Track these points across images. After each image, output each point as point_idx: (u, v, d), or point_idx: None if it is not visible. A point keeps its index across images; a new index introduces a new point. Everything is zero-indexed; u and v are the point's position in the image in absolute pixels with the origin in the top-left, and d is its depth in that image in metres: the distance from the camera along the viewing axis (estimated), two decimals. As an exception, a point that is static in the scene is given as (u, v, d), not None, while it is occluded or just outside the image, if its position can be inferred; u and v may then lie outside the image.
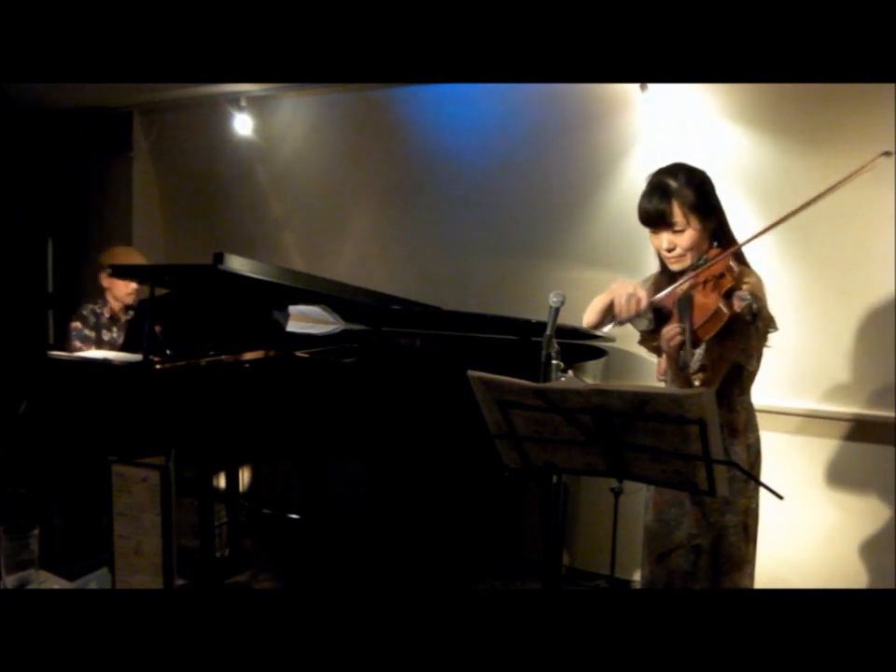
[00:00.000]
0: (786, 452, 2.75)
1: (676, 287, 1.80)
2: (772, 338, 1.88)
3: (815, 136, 2.81)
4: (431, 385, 2.59)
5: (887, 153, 1.71)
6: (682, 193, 1.81)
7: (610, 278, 3.28)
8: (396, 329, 3.29)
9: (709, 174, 1.92)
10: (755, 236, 1.77)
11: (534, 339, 2.69)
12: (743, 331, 1.76)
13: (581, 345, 2.96)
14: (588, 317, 2.09)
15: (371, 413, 2.58)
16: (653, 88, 3.05)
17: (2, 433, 2.94)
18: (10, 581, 1.50)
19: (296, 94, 4.00)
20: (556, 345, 1.77)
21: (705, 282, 1.76)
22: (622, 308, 1.85)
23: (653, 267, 3.13)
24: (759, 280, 1.84)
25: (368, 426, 2.61)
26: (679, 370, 1.72)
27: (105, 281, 3.45)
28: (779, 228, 1.86)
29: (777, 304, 1.90)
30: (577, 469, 1.62)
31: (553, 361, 1.77)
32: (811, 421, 2.78)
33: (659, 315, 1.94)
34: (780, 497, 1.84)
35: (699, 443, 1.42)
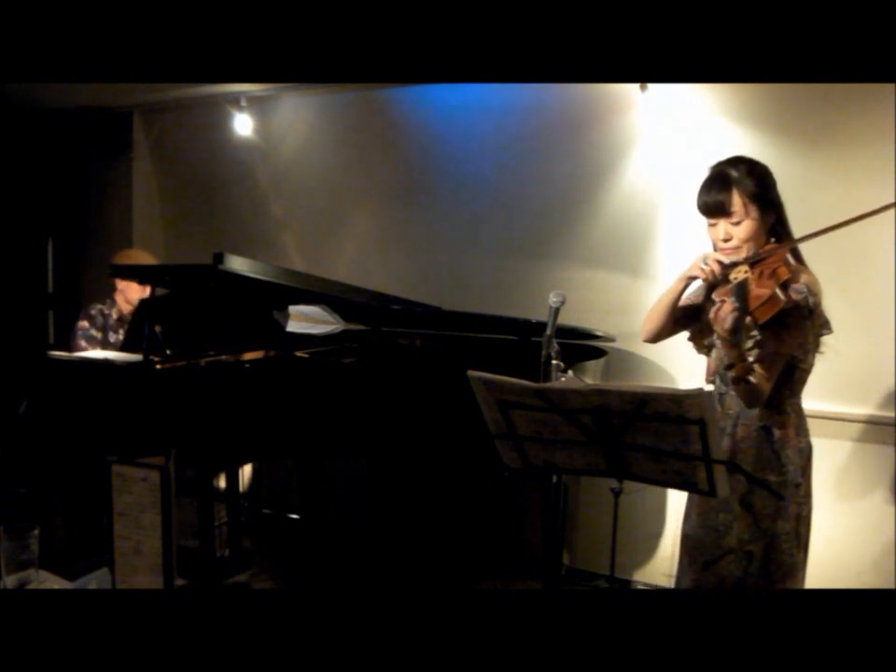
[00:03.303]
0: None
1: (734, 275, 1.76)
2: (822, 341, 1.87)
3: (815, 136, 2.81)
4: (431, 386, 2.59)
5: None
6: (743, 182, 1.81)
7: (610, 278, 3.33)
8: (396, 329, 3.29)
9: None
10: (815, 234, 1.74)
11: (534, 339, 2.70)
12: (800, 326, 1.76)
13: (580, 345, 2.96)
14: (652, 324, 2.00)
15: (371, 414, 2.58)
16: (653, 88, 3.05)
17: (2, 433, 2.93)
18: (10, 581, 1.50)
19: (296, 94, 4.01)
20: (556, 345, 1.78)
21: (760, 273, 1.74)
22: (703, 270, 1.78)
23: (654, 267, 3.16)
24: (816, 279, 1.83)
25: (368, 426, 2.61)
26: (731, 346, 1.69)
27: (120, 283, 3.45)
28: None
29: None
30: (577, 469, 1.62)
31: (553, 361, 1.77)
32: (812, 421, 2.78)
33: (696, 317, 1.94)
34: (781, 498, 1.84)
35: (699, 443, 1.42)
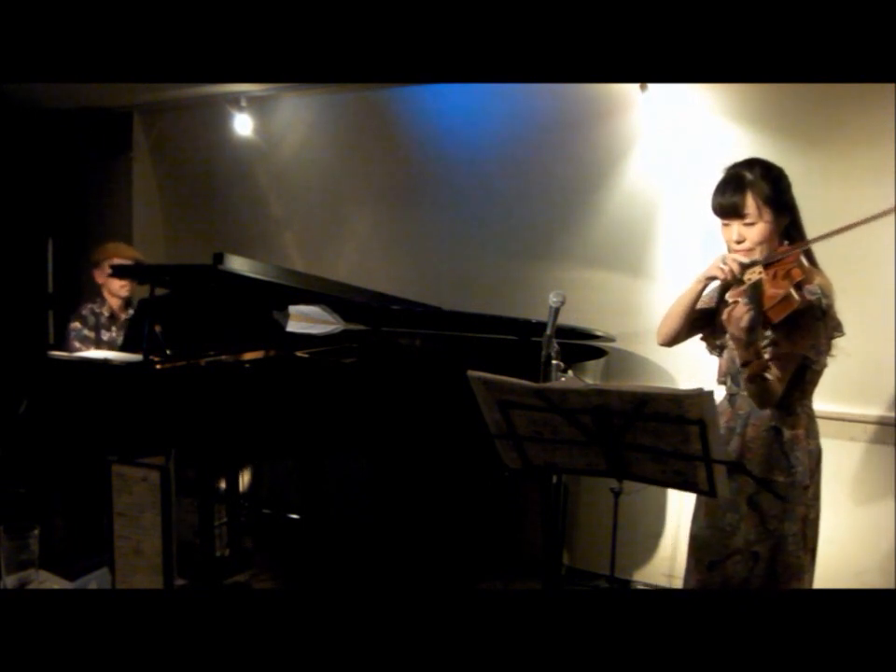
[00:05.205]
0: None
1: (748, 276, 1.75)
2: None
3: (815, 136, 2.81)
4: (431, 386, 2.59)
5: None
6: (758, 185, 1.81)
7: (610, 278, 3.33)
8: (396, 329, 3.29)
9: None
10: (828, 234, 1.74)
11: (534, 339, 2.70)
12: (813, 327, 1.76)
13: (580, 345, 2.96)
14: (669, 327, 1.99)
15: (371, 414, 2.58)
16: (653, 88, 3.05)
17: (2, 433, 2.93)
18: (10, 581, 1.50)
19: (296, 94, 4.00)
20: (556, 345, 1.78)
21: (774, 274, 1.74)
22: (722, 269, 1.77)
23: (654, 267, 3.16)
24: (829, 282, 1.83)
25: (368, 426, 2.61)
26: (745, 347, 1.69)
27: (100, 278, 3.44)
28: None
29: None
30: (577, 469, 1.62)
31: (553, 361, 1.77)
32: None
33: (710, 320, 1.93)
34: (782, 499, 1.84)
35: (699, 443, 1.42)
